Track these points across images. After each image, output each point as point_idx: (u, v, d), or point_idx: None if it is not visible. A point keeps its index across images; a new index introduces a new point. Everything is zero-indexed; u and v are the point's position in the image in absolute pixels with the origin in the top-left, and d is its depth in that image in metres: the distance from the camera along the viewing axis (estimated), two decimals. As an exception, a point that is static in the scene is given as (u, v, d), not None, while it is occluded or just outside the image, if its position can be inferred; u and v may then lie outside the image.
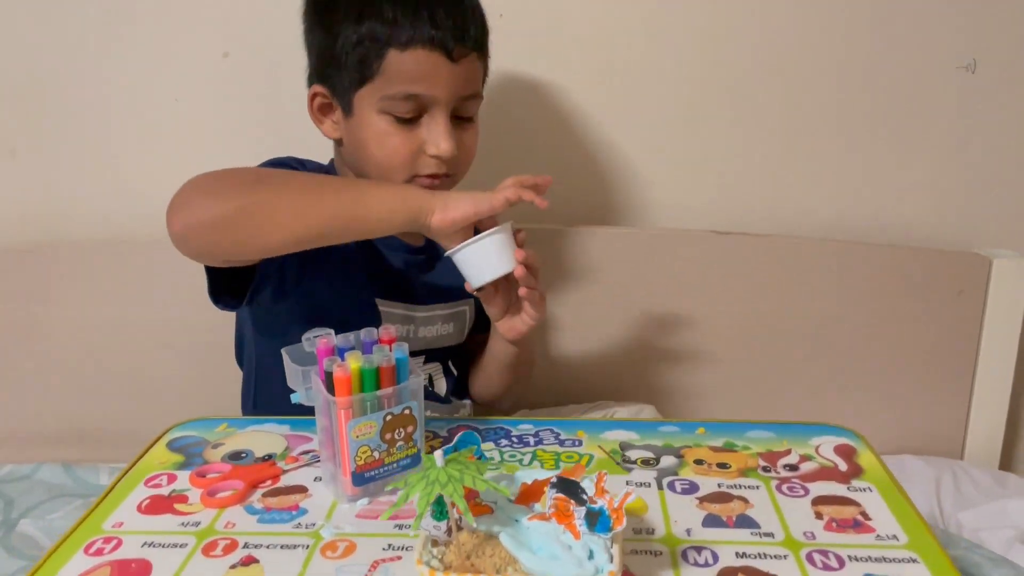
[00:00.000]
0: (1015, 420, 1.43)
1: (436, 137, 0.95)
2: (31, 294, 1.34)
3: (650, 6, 1.31)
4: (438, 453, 0.59)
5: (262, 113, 1.34)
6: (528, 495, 0.65)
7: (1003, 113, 1.35)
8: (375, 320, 1.02)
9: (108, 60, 1.32)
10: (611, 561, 0.59)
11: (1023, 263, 1.31)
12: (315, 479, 0.82)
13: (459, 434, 0.65)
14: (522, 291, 0.95)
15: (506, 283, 0.97)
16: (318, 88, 1.01)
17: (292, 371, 0.81)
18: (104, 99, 1.33)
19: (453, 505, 0.61)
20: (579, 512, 0.61)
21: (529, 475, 0.67)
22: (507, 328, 1.02)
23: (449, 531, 0.62)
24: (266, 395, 1.06)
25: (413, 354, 1.06)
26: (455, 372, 1.14)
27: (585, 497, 0.61)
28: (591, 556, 0.59)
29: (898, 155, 1.37)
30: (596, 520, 0.60)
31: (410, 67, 0.93)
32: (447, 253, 0.92)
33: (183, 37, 1.31)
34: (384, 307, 1.04)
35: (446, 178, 0.99)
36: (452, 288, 1.04)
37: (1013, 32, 1.32)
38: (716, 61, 1.33)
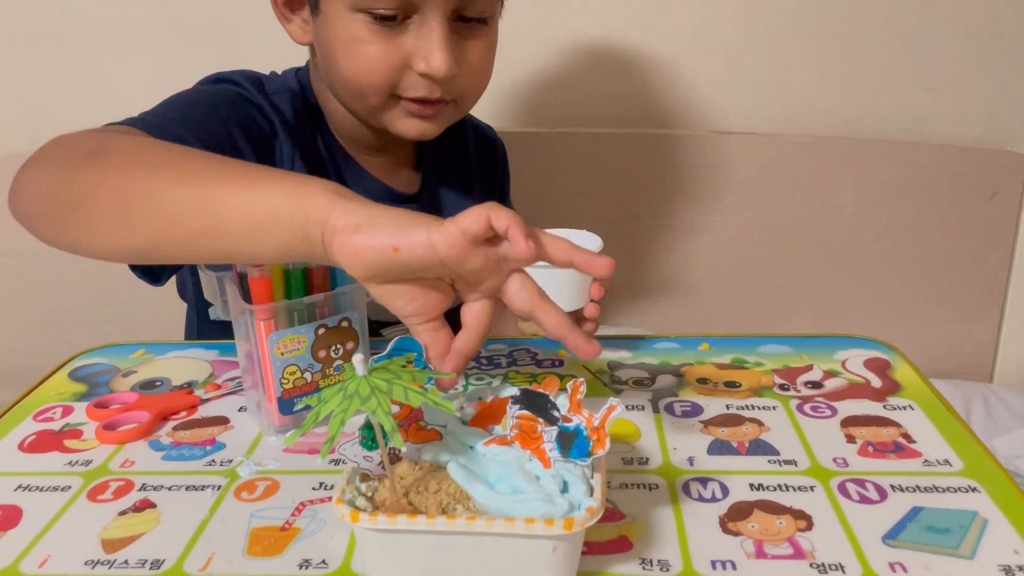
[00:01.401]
0: (1051, 339, 1.30)
1: (426, 48, 0.72)
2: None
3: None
4: (358, 358, 0.44)
5: (208, 10, 1.17)
6: (487, 416, 0.51)
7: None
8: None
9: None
10: (590, 495, 0.45)
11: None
12: (239, 409, 0.68)
13: (394, 339, 0.51)
14: (588, 327, 0.75)
15: None
16: None
17: (207, 279, 0.66)
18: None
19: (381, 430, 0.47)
20: (549, 433, 0.46)
21: (488, 393, 0.52)
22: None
23: (384, 462, 0.48)
24: (211, 332, 0.90)
25: (395, 323, 0.91)
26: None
27: (557, 415, 0.47)
28: (565, 488, 0.45)
29: (922, 46, 1.21)
30: (571, 443, 0.46)
31: None
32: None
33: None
34: None
35: (443, 105, 0.77)
36: None
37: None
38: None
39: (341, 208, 0.49)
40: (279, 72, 0.86)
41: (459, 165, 0.94)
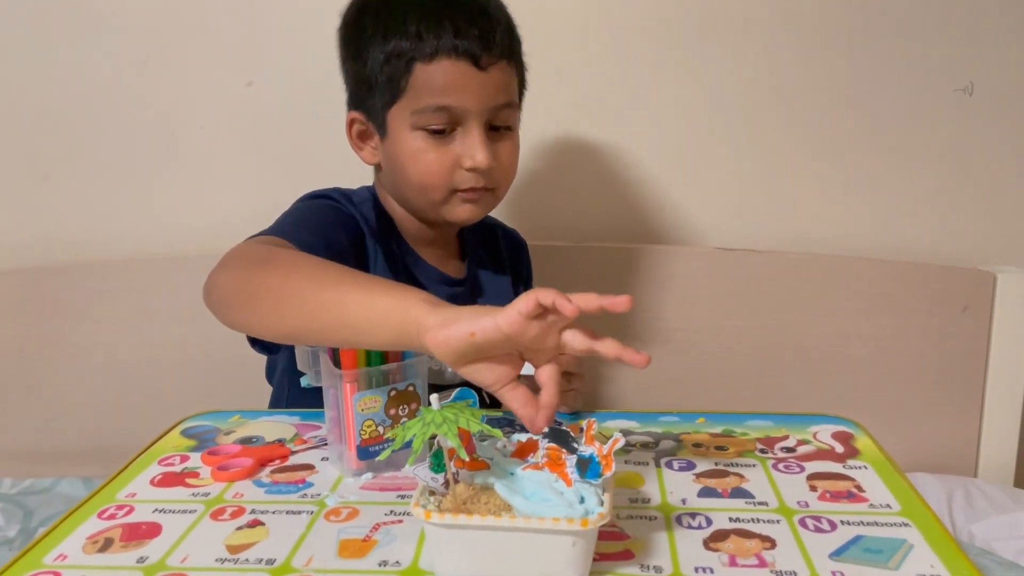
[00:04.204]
0: (1029, 437, 1.43)
1: (471, 149, 0.94)
2: (60, 313, 1.39)
3: (661, 45, 1.37)
4: (434, 397, 0.61)
5: (284, 140, 1.40)
6: (524, 451, 0.67)
7: (1001, 133, 1.38)
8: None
9: (137, 89, 1.39)
10: (600, 505, 0.60)
11: (1027, 277, 1.33)
12: (322, 459, 0.84)
13: (456, 391, 0.68)
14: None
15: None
16: (355, 114, 1.01)
17: (301, 353, 0.84)
18: (133, 127, 1.40)
19: (451, 457, 0.63)
20: (571, 460, 0.62)
21: (524, 436, 0.69)
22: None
23: (446, 483, 0.64)
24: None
25: (446, 387, 1.07)
26: (488, 401, 1.14)
27: (576, 446, 0.63)
28: (582, 501, 0.61)
29: (901, 175, 1.40)
30: (587, 467, 0.62)
31: (437, 79, 0.93)
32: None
33: (209, 67, 1.38)
34: None
35: (486, 192, 0.98)
36: None
37: (1007, 56, 1.36)
38: (723, 89, 1.38)
39: (432, 313, 0.67)
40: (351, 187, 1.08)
41: (493, 256, 1.15)
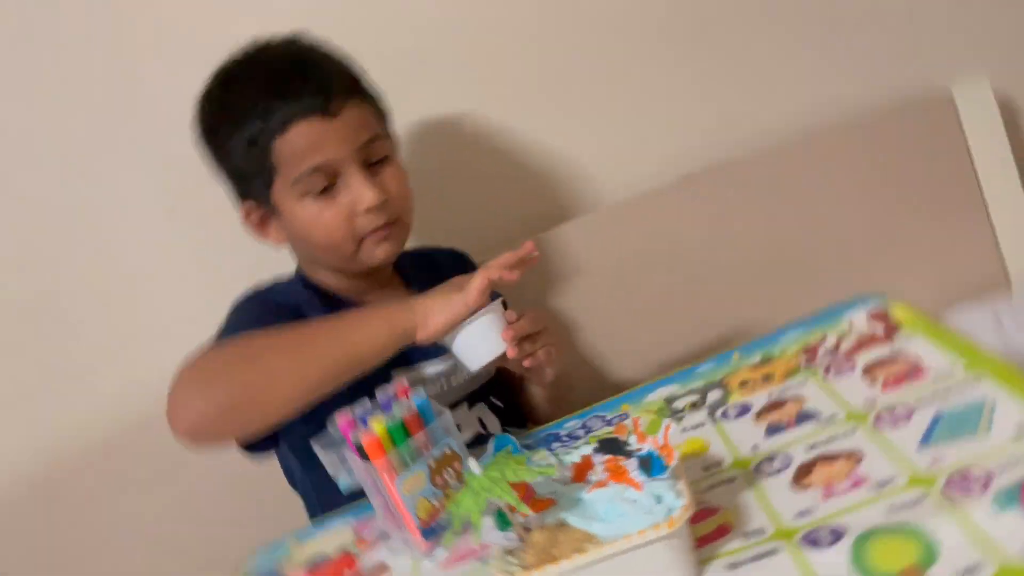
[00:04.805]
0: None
1: (357, 193, 0.95)
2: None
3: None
4: (472, 462, 0.58)
5: (218, 254, 1.34)
6: (582, 471, 0.64)
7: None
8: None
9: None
10: (679, 497, 0.57)
11: (981, 82, 1.30)
12: (391, 551, 0.81)
13: (491, 440, 0.65)
14: (526, 363, 0.91)
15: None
16: (246, 205, 1.02)
17: (329, 460, 0.81)
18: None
19: (510, 508, 0.60)
20: (631, 464, 0.59)
21: (575, 455, 0.66)
22: (531, 379, 1.03)
23: (519, 536, 0.61)
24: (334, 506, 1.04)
25: (454, 404, 1.05)
26: (500, 404, 1.12)
27: (630, 448, 0.60)
28: (659, 501, 0.58)
29: (816, 34, 1.37)
30: (649, 465, 0.59)
31: (298, 144, 0.93)
32: (443, 343, 0.90)
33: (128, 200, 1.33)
34: (414, 371, 1.02)
35: (392, 226, 0.99)
36: None
37: None
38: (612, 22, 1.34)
39: (412, 312, 0.85)
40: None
41: (437, 278, 1.07)
